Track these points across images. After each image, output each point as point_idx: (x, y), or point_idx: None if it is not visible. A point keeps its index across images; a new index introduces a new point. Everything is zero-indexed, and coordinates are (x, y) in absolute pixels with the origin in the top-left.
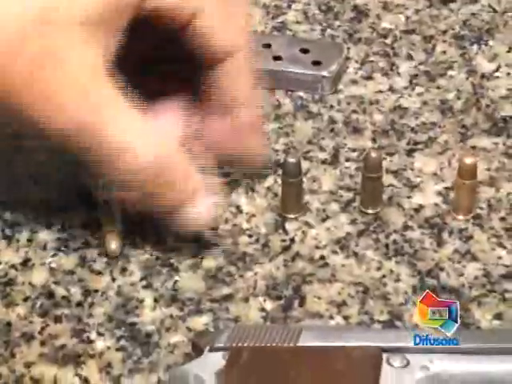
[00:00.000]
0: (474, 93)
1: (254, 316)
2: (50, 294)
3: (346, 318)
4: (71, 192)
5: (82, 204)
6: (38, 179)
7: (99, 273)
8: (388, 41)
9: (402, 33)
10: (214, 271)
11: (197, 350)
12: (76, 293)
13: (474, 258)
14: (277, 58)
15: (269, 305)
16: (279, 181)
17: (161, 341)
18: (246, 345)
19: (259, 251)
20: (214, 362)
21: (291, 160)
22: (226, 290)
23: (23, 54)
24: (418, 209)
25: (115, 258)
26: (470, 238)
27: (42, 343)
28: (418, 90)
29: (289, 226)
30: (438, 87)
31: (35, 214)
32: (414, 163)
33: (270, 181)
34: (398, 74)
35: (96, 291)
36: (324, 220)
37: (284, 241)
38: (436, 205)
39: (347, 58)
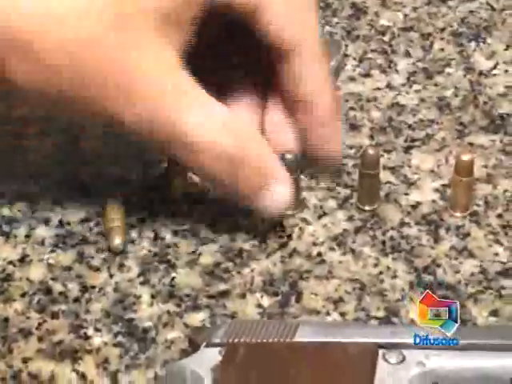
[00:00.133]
0: (472, 90)
1: (250, 312)
2: (48, 290)
3: (342, 314)
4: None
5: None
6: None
7: (97, 269)
8: (386, 38)
9: (400, 30)
10: (211, 267)
11: (193, 346)
12: (73, 289)
13: (471, 255)
14: None
15: (266, 301)
16: None
17: (158, 337)
18: (242, 340)
19: (256, 247)
20: (210, 357)
21: (289, 157)
22: (223, 286)
23: (101, 50)
24: (415, 206)
25: (119, 254)
26: (467, 234)
27: (40, 339)
28: (416, 87)
29: (286, 222)
30: (436, 84)
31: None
32: (412, 160)
33: None
34: (396, 71)
35: (93, 287)
36: (321, 217)
37: (281, 237)
38: (433, 202)
39: (345, 55)
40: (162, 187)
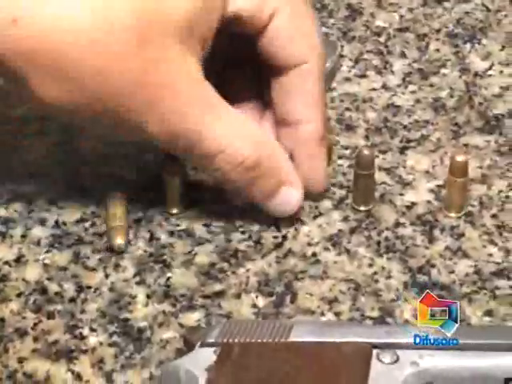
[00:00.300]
0: (467, 91)
1: (245, 312)
2: (44, 290)
3: (337, 314)
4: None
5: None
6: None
7: (93, 269)
8: (382, 39)
9: (396, 31)
10: (206, 268)
11: (188, 346)
12: (69, 289)
13: (465, 255)
14: None
15: (261, 301)
16: None
17: (153, 336)
18: (237, 340)
19: (252, 248)
20: (205, 357)
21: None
22: (218, 287)
23: (128, 64)
24: (410, 206)
25: (115, 254)
26: (462, 235)
27: (35, 339)
28: (411, 87)
29: (281, 222)
30: (431, 85)
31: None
32: (407, 161)
33: None
34: (392, 71)
35: (89, 287)
36: (316, 217)
37: (276, 237)
38: (428, 202)
39: (341, 56)
40: (158, 187)
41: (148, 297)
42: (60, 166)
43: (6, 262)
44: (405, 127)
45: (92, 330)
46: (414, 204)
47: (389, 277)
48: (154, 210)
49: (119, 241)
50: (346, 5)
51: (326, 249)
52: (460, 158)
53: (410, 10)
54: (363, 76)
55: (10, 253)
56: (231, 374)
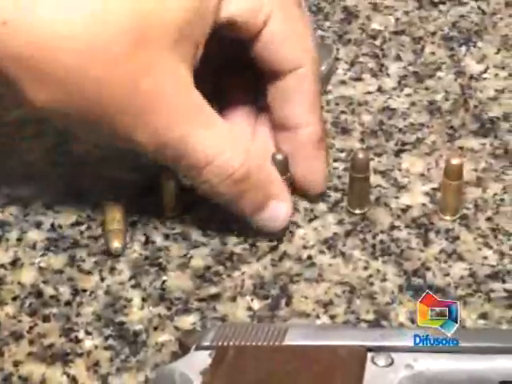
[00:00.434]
0: (462, 94)
1: (241, 315)
2: (39, 294)
3: (332, 317)
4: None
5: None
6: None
7: (88, 272)
8: (377, 42)
9: (392, 34)
10: (201, 271)
11: (184, 349)
12: (65, 292)
13: (460, 258)
14: None
15: (256, 304)
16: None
17: (148, 340)
18: (232, 343)
19: (247, 251)
20: (200, 360)
21: (279, 157)
22: (213, 290)
23: (119, 75)
24: (405, 209)
25: (110, 257)
26: (457, 238)
27: (31, 342)
28: (407, 90)
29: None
30: (427, 88)
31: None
32: (402, 164)
33: None
34: (387, 74)
35: (85, 291)
36: (312, 220)
37: (272, 241)
38: (423, 205)
39: (337, 59)
40: (154, 191)
41: (143, 300)
42: (56, 169)
43: (2, 266)
44: (400, 130)
45: (87, 333)
46: (409, 207)
47: (384, 280)
48: (150, 214)
49: (116, 244)
50: (341, 8)
51: (322, 252)
52: (455, 161)
53: (406, 12)
54: (359, 79)
55: (5, 256)
56: (226, 378)
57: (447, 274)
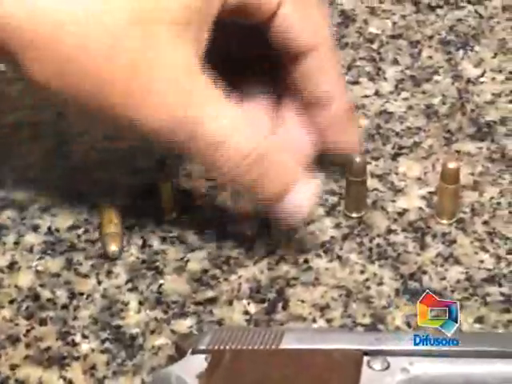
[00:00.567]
0: (459, 98)
1: (237, 319)
2: (36, 297)
3: (328, 321)
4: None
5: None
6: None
7: (85, 276)
8: (374, 46)
9: (389, 38)
10: (198, 274)
11: (180, 353)
12: (62, 295)
13: (457, 262)
14: None
15: (253, 308)
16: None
17: (145, 343)
18: (228, 347)
19: (244, 255)
20: (196, 364)
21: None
22: (210, 293)
23: (117, 57)
24: (402, 213)
25: (108, 261)
26: (453, 241)
27: (28, 345)
28: (404, 94)
29: (274, 229)
30: (424, 92)
31: None
32: (399, 167)
33: None
34: (384, 78)
35: (81, 294)
36: (308, 224)
37: (269, 244)
38: (420, 209)
39: None
40: (151, 194)
41: (140, 303)
42: (52, 172)
43: None
44: (397, 134)
45: (84, 336)
46: (405, 211)
47: (380, 283)
48: (147, 217)
49: (113, 248)
50: (339, 11)
51: (318, 255)
52: (451, 165)
53: (403, 16)
54: (356, 83)
55: (2, 259)
56: (222, 381)
57: (444, 278)
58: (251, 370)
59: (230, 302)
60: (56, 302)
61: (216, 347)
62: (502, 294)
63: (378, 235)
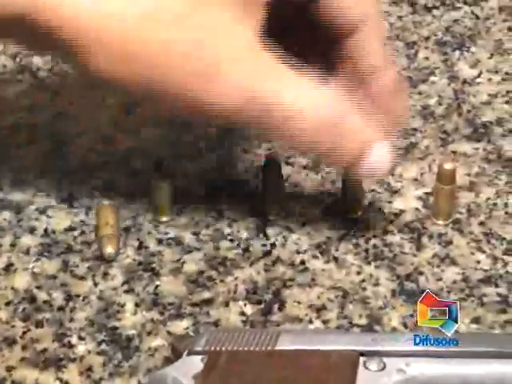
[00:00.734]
0: (456, 98)
1: (234, 320)
2: (32, 299)
3: (325, 322)
4: None
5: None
6: None
7: (81, 277)
8: None
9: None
10: (194, 276)
11: (176, 354)
12: (58, 297)
13: (453, 263)
14: None
15: (249, 309)
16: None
17: (141, 345)
18: (224, 348)
19: (240, 256)
20: (192, 365)
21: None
22: (206, 295)
23: (180, 37)
24: (398, 214)
25: (104, 262)
26: (450, 242)
27: (24, 347)
28: None
29: (270, 230)
30: (420, 93)
31: None
32: (395, 168)
33: (251, 185)
34: None
35: (78, 296)
36: (305, 224)
37: (265, 245)
38: (416, 210)
39: None
40: (147, 196)
41: (136, 305)
42: (49, 174)
43: None
44: None
45: (80, 338)
46: (402, 211)
47: (377, 284)
48: (143, 219)
49: (110, 249)
50: None
51: (315, 256)
52: (447, 166)
53: (400, 17)
54: None
55: None
56: (218, 382)
57: (440, 279)
58: (247, 371)
59: (227, 304)
60: (52, 303)
61: (212, 348)
62: (499, 295)
63: (375, 236)
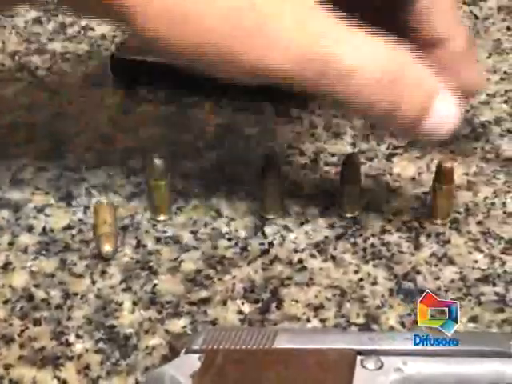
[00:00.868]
0: None
1: (231, 319)
2: (30, 297)
3: (322, 321)
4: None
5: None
6: None
7: (79, 276)
8: None
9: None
10: (192, 274)
11: (174, 352)
12: (56, 296)
13: (451, 262)
14: None
15: (247, 308)
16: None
17: (139, 343)
18: (221, 347)
19: (238, 255)
20: (189, 364)
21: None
22: (204, 293)
23: (240, 9)
24: (396, 213)
25: (101, 261)
26: (447, 241)
27: (22, 345)
28: None
29: (268, 229)
30: None
31: None
32: (393, 168)
33: (250, 184)
34: None
35: (76, 294)
36: (303, 224)
37: (263, 244)
38: (414, 209)
39: None
40: (145, 194)
41: (134, 303)
42: (47, 173)
43: None
44: (391, 134)
45: (78, 336)
46: (399, 211)
47: (374, 283)
48: (141, 217)
49: (107, 248)
50: None
51: (312, 255)
52: (446, 165)
53: None
54: None
55: None
56: (215, 381)
57: (438, 278)
58: (245, 370)
59: (224, 302)
60: (50, 302)
61: (210, 347)
62: (496, 294)
63: (373, 235)
